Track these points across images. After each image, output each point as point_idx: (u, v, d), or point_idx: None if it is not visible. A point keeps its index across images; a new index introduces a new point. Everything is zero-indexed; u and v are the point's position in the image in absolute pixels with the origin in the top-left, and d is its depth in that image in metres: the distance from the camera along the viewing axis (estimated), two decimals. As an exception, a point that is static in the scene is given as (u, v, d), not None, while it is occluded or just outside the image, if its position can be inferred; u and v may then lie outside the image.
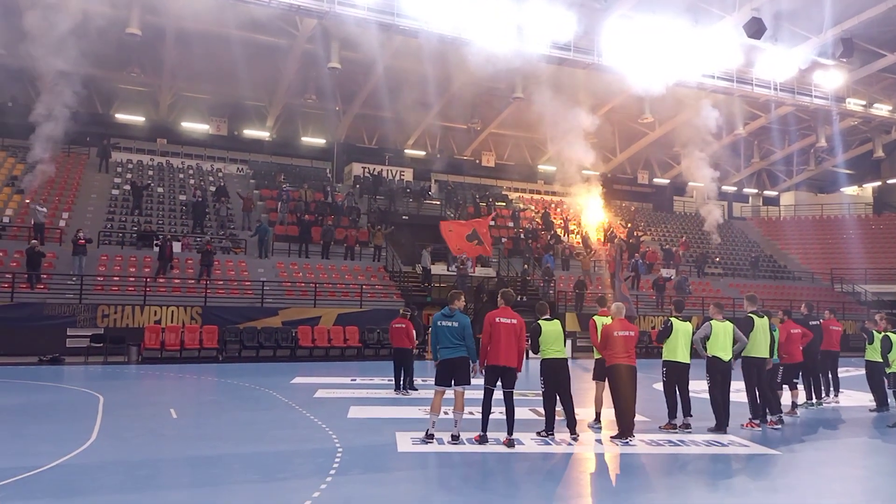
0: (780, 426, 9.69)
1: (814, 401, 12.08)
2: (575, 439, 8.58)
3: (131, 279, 21.64)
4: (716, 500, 6.39)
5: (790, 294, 31.89)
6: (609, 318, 9.19)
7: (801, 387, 11.61)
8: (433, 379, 8.47)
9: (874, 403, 11.75)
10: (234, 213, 27.90)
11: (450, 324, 8.22)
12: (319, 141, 36.81)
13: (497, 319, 8.23)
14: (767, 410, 9.73)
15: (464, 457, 7.66)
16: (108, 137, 30.66)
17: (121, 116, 32.99)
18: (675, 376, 9.14)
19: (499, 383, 8.17)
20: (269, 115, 35.00)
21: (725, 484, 7.03)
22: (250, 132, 35.40)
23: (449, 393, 8.29)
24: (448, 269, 26.81)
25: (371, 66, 30.40)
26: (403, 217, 31.25)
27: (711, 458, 8.12)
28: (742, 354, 9.52)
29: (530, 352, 9.28)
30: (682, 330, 9.06)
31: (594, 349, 9.53)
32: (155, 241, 23.55)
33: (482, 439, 8.10)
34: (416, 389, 13.14)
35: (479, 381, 8.34)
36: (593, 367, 9.70)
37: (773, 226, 43.42)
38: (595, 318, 9.51)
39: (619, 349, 8.73)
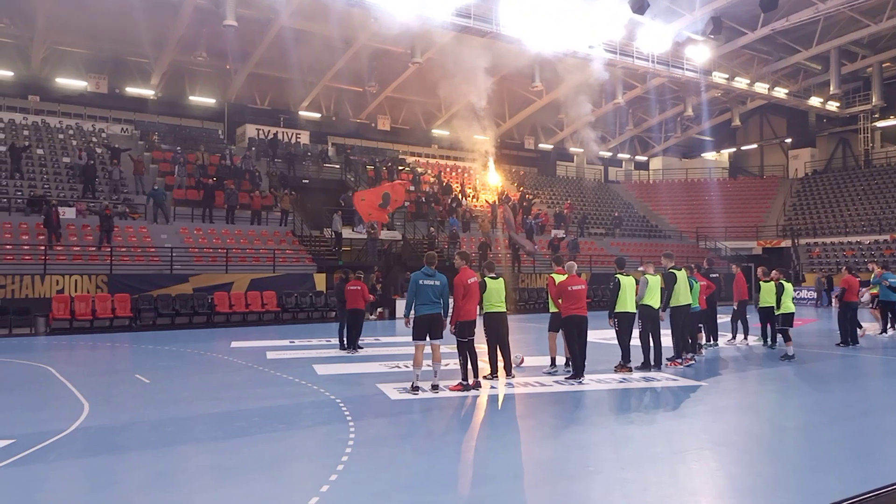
0: (692, 363, 11.33)
1: (712, 342, 13.98)
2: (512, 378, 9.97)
3: (26, 247, 20.35)
4: (673, 419, 7.63)
5: (662, 250, 34.97)
6: (564, 275, 10.34)
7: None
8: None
9: (762, 341, 13.92)
10: (126, 176, 26.59)
11: (432, 282, 8.96)
12: (209, 101, 35.39)
13: (468, 280, 9.19)
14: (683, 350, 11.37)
15: (451, 400, 8.50)
16: (-28, 93, 28.00)
17: (-15, 70, 30.10)
18: (627, 324, 10.42)
19: None
20: (154, 72, 33.13)
21: (675, 408, 8.34)
22: (133, 90, 33.44)
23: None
24: (354, 230, 27.14)
25: (267, 24, 29.72)
26: (304, 181, 31.13)
27: (653, 390, 9.48)
28: (670, 304, 11.01)
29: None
30: (628, 284, 10.34)
31: (550, 303, 10.66)
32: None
33: (478, 385, 9.01)
34: (362, 348, 13.74)
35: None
36: (549, 320, 10.79)
37: (644, 188, 47.04)
38: (552, 275, 10.60)
39: (573, 301, 9.87)
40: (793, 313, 12.47)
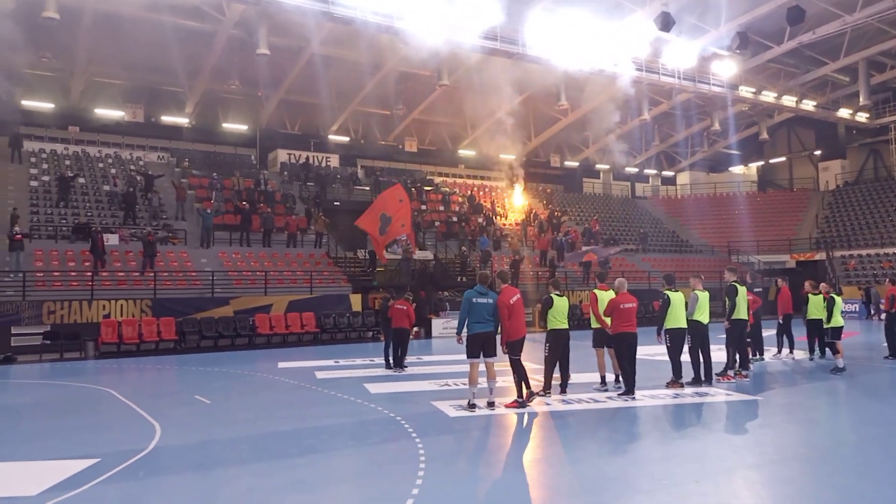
0: (748, 378, 11.35)
1: (758, 356, 13.91)
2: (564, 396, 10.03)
3: (73, 273, 20.90)
4: (735, 434, 7.68)
5: (694, 266, 34.69)
6: (608, 291, 10.47)
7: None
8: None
9: (809, 355, 13.86)
10: (166, 202, 27.22)
11: (485, 301, 9.12)
12: (241, 127, 36.15)
13: (511, 301, 9.28)
14: (739, 364, 11.38)
15: (509, 418, 8.63)
16: (17, 126, 28.89)
17: (27, 103, 30.98)
18: (678, 340, 10.47)
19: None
20: (189, 100, 33.98)
21: (735, 422, 8.38)
22: (168, 118, 34.29)
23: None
24: (387, 251, 27.32)
25: (298, 51, 30.38)
26: (335, 203, 31.57)
27: (709, 405, 9.51)
28: (731, 317, 11.08)
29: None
30: (678, 300, 10.42)
31: (592, 319, 10.76)
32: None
33: (531, 396, 9.18)
34: (407, 367, 13.89)
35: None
36: (592, 336, 10.88)
37: (673, 203, 46.86)
38: (595, 291, 10.73)
39: (624, 319, 9.96)
40: (842, 327, 12.59)
